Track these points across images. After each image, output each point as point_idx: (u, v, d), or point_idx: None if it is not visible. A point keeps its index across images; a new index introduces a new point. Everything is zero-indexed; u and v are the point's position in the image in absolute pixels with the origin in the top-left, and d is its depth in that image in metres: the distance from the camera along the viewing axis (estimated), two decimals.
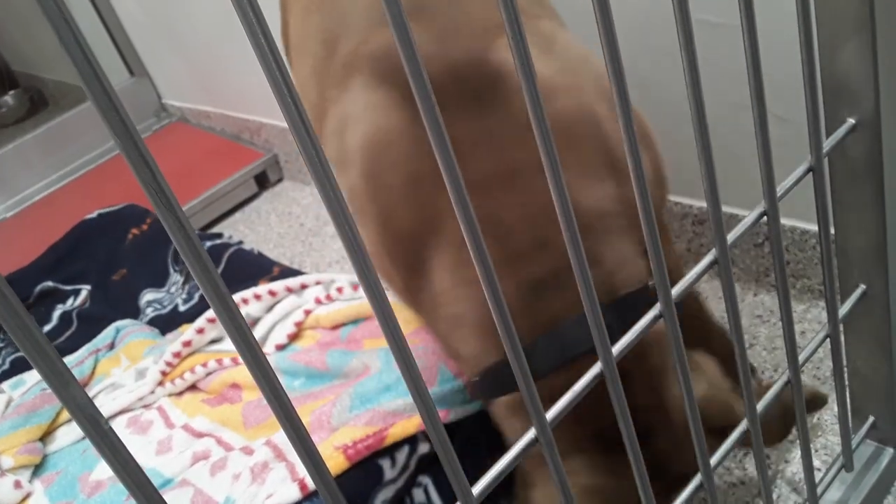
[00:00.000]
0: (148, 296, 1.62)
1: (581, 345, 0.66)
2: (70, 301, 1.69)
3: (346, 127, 0.74)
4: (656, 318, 0.57)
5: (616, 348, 0.55)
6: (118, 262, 1.72)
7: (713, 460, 0.66)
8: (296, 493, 0.96)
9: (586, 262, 0.46)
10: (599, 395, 0.54)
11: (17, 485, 1.22)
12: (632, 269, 0.71)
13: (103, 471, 1.20)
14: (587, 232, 0.68)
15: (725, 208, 1.13)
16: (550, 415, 0.53)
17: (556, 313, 0.68)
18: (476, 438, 1.03)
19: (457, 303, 0.71)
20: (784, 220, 1.08)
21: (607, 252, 0.71)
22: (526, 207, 0.68)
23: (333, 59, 0.80)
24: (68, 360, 1.44)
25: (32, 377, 1.45)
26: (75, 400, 0.33)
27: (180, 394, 1.33)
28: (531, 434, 0.52)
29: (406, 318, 1.16)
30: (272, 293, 1.35)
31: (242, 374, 1.28)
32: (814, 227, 1.08)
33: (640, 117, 0.80)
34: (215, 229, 1.96)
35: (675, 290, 0.59)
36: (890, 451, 0.85)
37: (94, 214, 1.86)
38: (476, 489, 0.49)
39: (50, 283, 1.73)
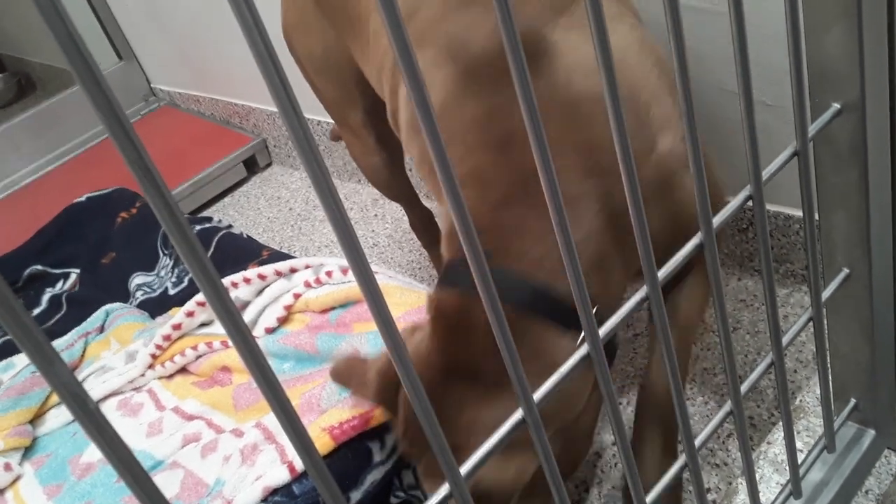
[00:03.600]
0: (137, 279, 1.62)
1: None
2: (59, 284, 1.69)
3: None
4: (643, 301, 0.58)
5: (602, 330, 0.56)
6: (107, 246, 1.72)
7: (697, 441, 0.67)
8: (285, 475, 0.97)
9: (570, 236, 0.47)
10: None
11: (7, 467, 1.22)
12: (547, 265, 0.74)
13: (94, 453, 1.21)
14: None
15: None
16: (538, 395, 0.54)
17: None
18: None
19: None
20: (768, 206, 1.09)
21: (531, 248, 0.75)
22: (524, 164, 0.74)
23: (410, 25, 0.87)
24: (57, 343, 1.44)
25: (22, 360, 1.45)
26: (60, 378, 0.34)
27: (170, 376, 1.34)
28: (518, 415, 0.53)
29: (396, 302, 1.16)
30: (262, 276, 1.35)
31: (232, 357, 1.28)
32: (797, 213, 1.09)
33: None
34: (205, 213, 1.96)
35: (661, 273, 0.59)
36: (871, 432, 0.86)
37: (83, 198, 1.85)
38: (464, 469, 0.50)
39: (39, 267, 1.73)
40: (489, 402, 0.71)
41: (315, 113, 1.77)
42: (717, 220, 0.63)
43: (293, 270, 1.36)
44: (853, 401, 0.85)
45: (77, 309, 1.59)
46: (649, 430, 0.91)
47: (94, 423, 0.36)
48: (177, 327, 1.34)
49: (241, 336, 0.38)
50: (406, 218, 1.48)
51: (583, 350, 0.56)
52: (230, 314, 0.38)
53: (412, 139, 0.89)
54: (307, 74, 1.25)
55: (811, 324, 0.76)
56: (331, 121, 1.76)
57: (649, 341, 0.91)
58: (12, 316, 0.32)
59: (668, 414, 0.90)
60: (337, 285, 1.30)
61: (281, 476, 0.98)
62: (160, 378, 1.34)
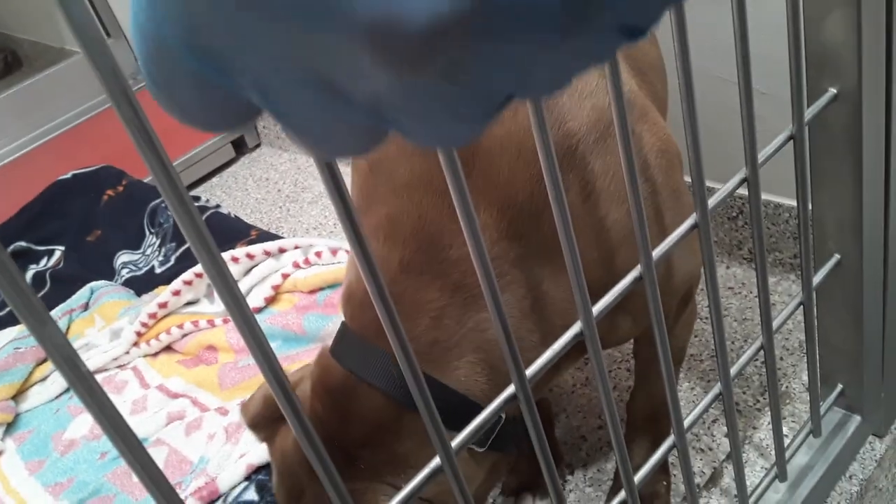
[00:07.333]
0: (123, 257, 1.61)
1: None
2: (43, 261, 1.68)
3: None
4: (637, 280, 0.58)
5: (596, 308, 0.56)
6: (93, 223, 1.71)
7: (686, 422, 0.67)
8: (268, 453, 0.97)
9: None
10: None
11: None
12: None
13: (76, 429, 1.20)
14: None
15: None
16: (530, 371, 0.54)
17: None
18: None
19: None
20: None
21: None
22: (436, 216, 0.68)
23: None
24: None
25: (4, 336, 1.43)
26: (52, 339, 0.33)
27: (156, 355, 1.33)
28: (510, 390, 0.53)
29: None
30: (250, 256, 1.34)
31: (218, 336, 1.27)
32: (787, 202, 1.09)
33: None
34: (192, 193, 1.94)
35: (656, 253, 0.59)
36: (857, 418, 0.87)
37: (68, 175, 1.84)
38: (455, 441, 0.50)
39: (23, 244, 1.71)
40: (361, 491, 0.66)
41: None
42: (712, 202, 0.63)
43: (282, 250, 1.35)
44: (840, 386, 0.86)
45: (61, 286, 1.57)
46: (638, 435, 0.92)
47: (86, 386, 0.35)
48: (163, 305, 1.33)
49: (238, 305, 0.38)
50: None
51: (576, 328, 0.56)
52: (225, 280, 0.37)
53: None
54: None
55: (799, 312, 0.76)
56: None
57: (635, 364, 0.91)
58: (4, 276, 0.31)
59: (657, 418, 0.91)
60: (326, 266, 1.30)
61: (264, 454, 0.97)
62: (145, 356, 1.33)
